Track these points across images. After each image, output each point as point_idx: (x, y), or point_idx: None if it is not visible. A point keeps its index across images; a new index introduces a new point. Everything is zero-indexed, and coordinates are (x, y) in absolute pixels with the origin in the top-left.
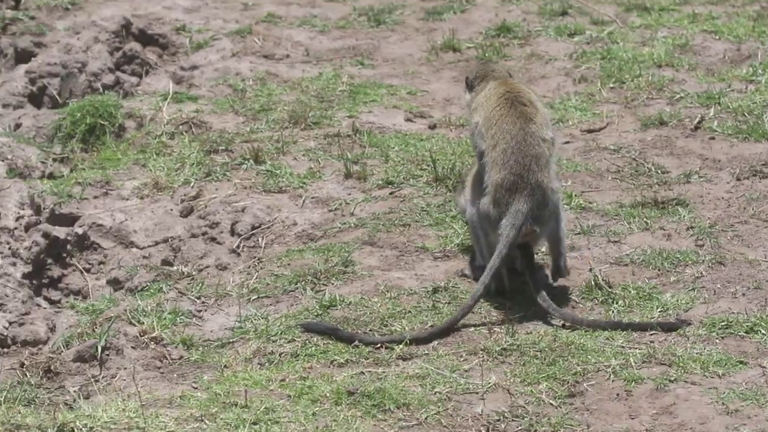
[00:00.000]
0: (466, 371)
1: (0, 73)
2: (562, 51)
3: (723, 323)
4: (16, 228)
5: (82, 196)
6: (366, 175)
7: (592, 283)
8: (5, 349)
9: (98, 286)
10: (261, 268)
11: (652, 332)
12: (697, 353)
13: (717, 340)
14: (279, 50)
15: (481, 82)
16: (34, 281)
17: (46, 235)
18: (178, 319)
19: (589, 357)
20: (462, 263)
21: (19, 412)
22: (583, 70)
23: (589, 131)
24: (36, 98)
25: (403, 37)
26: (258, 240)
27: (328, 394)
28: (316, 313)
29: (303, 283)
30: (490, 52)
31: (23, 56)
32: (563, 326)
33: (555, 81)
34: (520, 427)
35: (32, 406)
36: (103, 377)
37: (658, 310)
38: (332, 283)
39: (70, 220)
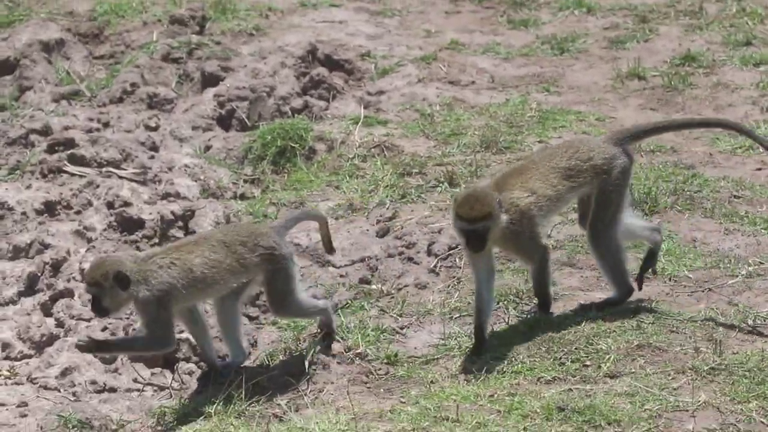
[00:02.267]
0: (674, 389)
1: (188, 96)
2: (748, 80)
3: None
4: None
5: (277, 216)
6: None
7: None
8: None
9: None
10: (461, 288)
11: None
12: None
13: None
14: (464, 77)
15: None
16: None
17: None
18: (381, 335)
19: None
20: (664, 286)
21: (232, 424)
22: None
23: None
24: (225, 121)
25: (588, 65)
26: (455, 260)
27: (538, 410)
28: (521, 332)
29: (505, 302)
30: (676, 80)
31: (210, 80)
32: None
33: (742, 109)
34: None
35: (243, 418)
36: (310, 391)
37: None
38: (534, 302)
39: None
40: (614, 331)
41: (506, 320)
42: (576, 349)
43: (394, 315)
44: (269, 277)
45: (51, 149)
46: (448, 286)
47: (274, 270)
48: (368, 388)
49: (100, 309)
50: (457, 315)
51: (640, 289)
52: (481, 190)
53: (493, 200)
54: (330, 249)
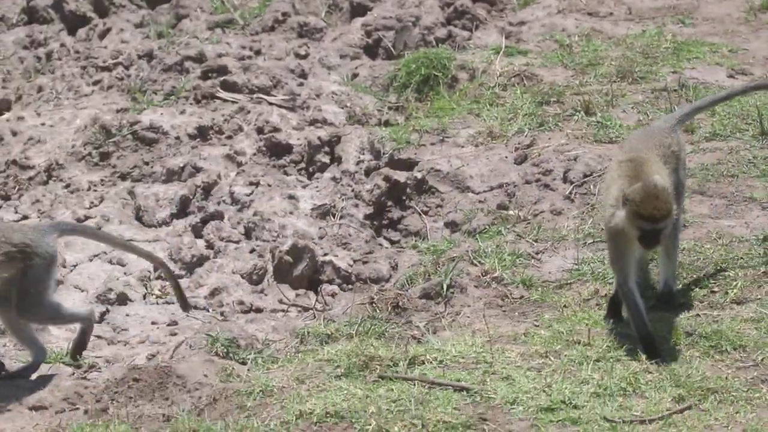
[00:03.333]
0: None
1: (336, 26)
2: None
3: None
4: (356, 171)
5: (420, 143)
6: (694, 128)
7: None
8: (350, 286)
9: (436, 228)
10: (594, 214)
11: None
12: None
13: None
14: (602, 8)
15: None
16: (375, 222)
17: (387, 179)
18: (517, 260)
19: None
20: None
21: (372, 345)
22: None
23: None
24: (371, 49)
25: None
26: (590, 187)
27: (666, 335)
28: (651, 258)
29: None
30: None
31: (359, 10)
32: None
33: None
34: None
35: (383, 339)
36: (447, 314)
37: None
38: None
39: (408, 165)
40: (741, 257)
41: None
42: (704, 276)
43: (530, 240)
44: (20, 276)
45: (204, 76)
46: (583, 213)
47: (24, 269)
48: (503, 311)
49: None
50: (591, 241)
51: None
52: (659, 187)
53: (671, 196)
54: (185, 306)
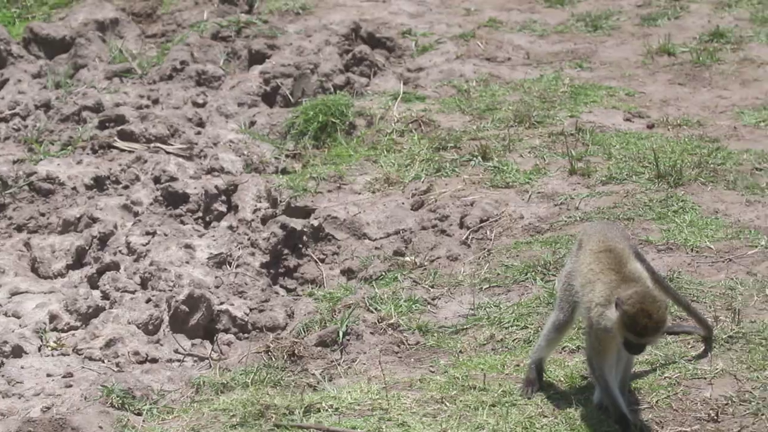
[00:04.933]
0: (693, 357)
1: (234, 73)
2: None
3: None
4: (253, 220)
5: (317, 190)
6: (590, 171)
7: None
8: (246, 334)
9: (332, 275)
10: (491, 259)
11: None
12: None
13: None
14: (501, 53)
15: None
16: (271, 270)
17: (283, 227)
18: (413, 306)
19: None
20: (686, 256)
21: (267, 393)
22: None
23: None
24: (269, 97)
25: (620, 42)
26: (486, 232)
27: (562, 378)
28: (547, 302)
29: (533, 273)
30: (704, 56)
31: (257, 58)
32: None
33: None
34: (747, 411)
35: (278, 387)
36: (344, 361)
37: None
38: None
39: (305, 212)
40: None
41: (533, 291)
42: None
43: (426, 286)
44: None
45: (102, 125)
46: (479, 258)
47: None
48: (399, 357)
49: None
50: (487, 286)
51: None
52: (656, 301)
53: (666, 310)
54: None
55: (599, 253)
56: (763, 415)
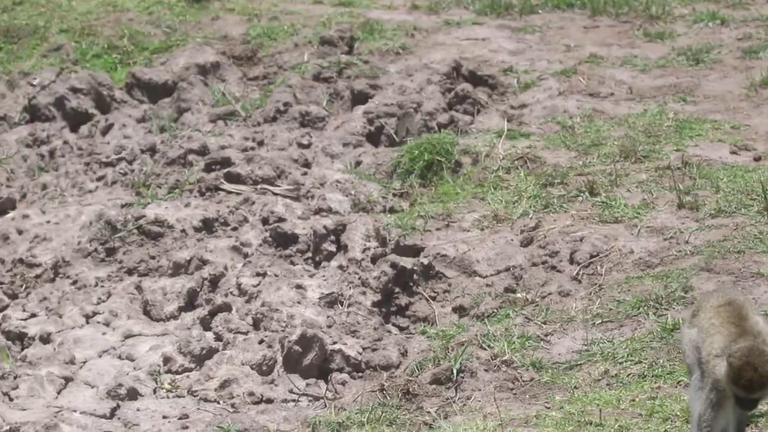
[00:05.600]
0: None
1: (338, 114)
2: None
3: None
4: (363, 259)
5: (425, 228)
6: (698, 205)
7: None
8: (360, 373)
9: (444, 313)
10: (602, 294)
11: None
12: None
13: None
14: (603, 89)
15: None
16: (383, 309)
17: (393, 266)
18: (526, 342)
19: None
20: None
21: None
22: None
23: None
24: (374, 137)
25: (722, 75)
26: (597, 267)
27: (678, 413)
28: (660, 337)
29: (645, 307)
30: None
31: (359, 98)
32: None
33: None
34: None
35: (394, 426)
36: (458, 398)
37: None
38: (674, 308)
39: (414, 251)
40: None
41: (646, 325)
42: None
43: (539, 322)
44: None
45: (208, 168)
46: (590, 293)
47: None
48: (514, 394)
49: None
50: (599, 321)
51: None
52: (761, 352)
53: None
54: None
55: (719, 307)
56: None
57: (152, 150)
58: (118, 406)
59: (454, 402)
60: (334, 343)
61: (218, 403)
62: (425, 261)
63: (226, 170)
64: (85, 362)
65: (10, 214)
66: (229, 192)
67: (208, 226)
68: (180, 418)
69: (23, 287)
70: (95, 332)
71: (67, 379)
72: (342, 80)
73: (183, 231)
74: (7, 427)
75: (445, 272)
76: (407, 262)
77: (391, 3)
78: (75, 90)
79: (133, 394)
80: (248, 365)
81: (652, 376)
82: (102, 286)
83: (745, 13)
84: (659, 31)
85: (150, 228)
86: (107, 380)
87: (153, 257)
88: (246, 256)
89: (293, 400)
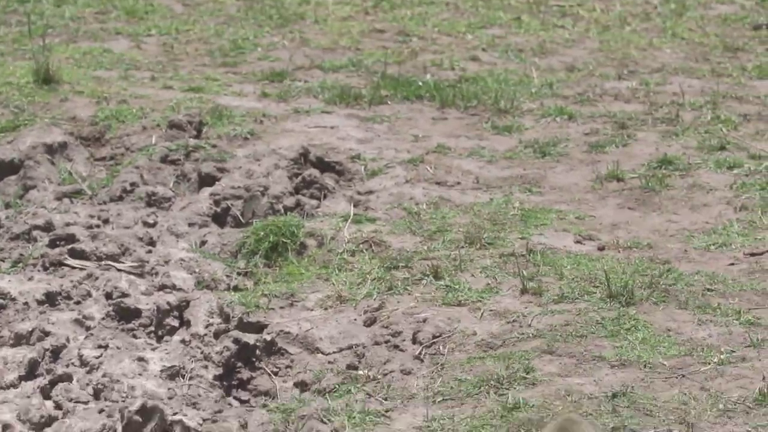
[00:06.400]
0: None
1: (184, 195)
2: (722, 182)
3: None
4: (206, 334)
5: (269, 307)
6: (541, 290)
7: (766, 390)
8: None
9: (285, 387)
10: (444, 373)
11: None
12: None
13: None
14: (450, 177)
15: None
16: (224, 382)
17: (236, 341)
18: (367, 418)
19: None
20: (639, 372)
21: None
22: (743, 199)
23: (752, 254)
24: (220, 218)
25: (569, 168)
26: (439, 348)
27: None
28: (501, 415)
29: (486, 387)
30: (653, 182)
31: (207, 180)
32: None
33: (716, 209)
34: None
35: None
36: None
37: None
38: (514, 388)
39: (257, 327)
40: (591, 414)
41: (487, 404)
42: None
43: (380, 398)
44: None
45: (53, 243)
46: (432, 372)
47: None
48: None
49: None
50: (441, 399)
51: None
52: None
53: None
54: None
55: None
56: None
57: None
58: None
59: None
60: (175, 414)
61: None
62: (268, 337)
63: (70, 246)
64: None
65: None
66: (73, 267)
67: (51, 299)
68: None
69: None
70: None
71: None
72: (189, 163)
73: (26, 303)
74: None
75: (287, 348)
76: (250, 338)
77: (241, 90)
78: None
79: None
80: None
81: None
82: None
83: (592, 109)
84: (507, 125)
85: None
86: None
87: None
88: (88, 328)
89: None
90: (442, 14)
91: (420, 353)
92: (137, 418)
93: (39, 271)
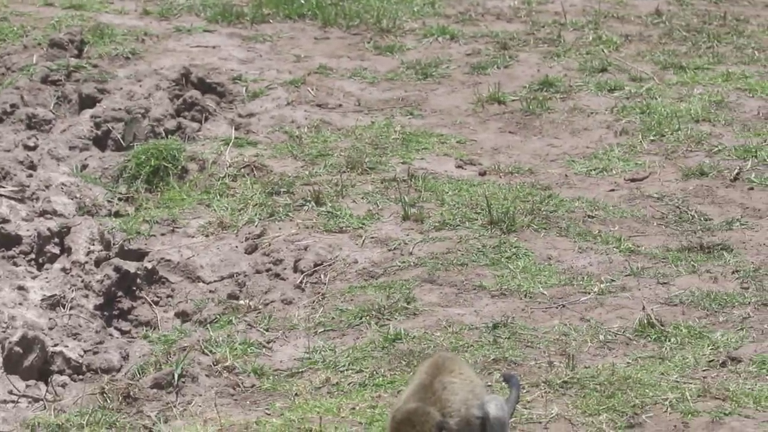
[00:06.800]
0: (528, 402)
1: (65, 117)
2: (603, 105)
3: None
4: (87, 262)
5: (150, 234)
6: (423, 217)
7: (645, 321)
8: (81, 376)
9: (166, 318)
10: (325, 303)
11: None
12: (749, 389)
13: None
14: (332, 100)
15: None
16: (105, 312)
17: (117, 269)
18: (248, 349)
19: (647, 390)
20: (520, 302)
21: None
22: (623, 123)
23: (633, 180)
24: (100, 141)
25: (450, 90)
26: (321, 276)
27: None
28: (382, 346)
29: (367, 317)
30: (534, 104)
31: (87, 102)
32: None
33: (597, 133)
34: None
35: (114, 429)
36: (179, 403)
37: (709, 348)
38: (396, 318)
39: (138, 255)
40: (472, 345)
41: (368, 335)
42: None
43: (261, 329)
44: None
45: None
46: (313, 302)
47: None
48: (235, 400)
49: None
50: (322, 330)
51: None
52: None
53: None
54: None
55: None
56: None
57: None
58: None
59: (174, 406)
60: (56, 345)
61: None
62: (149, 265)
63: None
64: None
65: None
66: None
67: None
68: None
69: None
70: None
71: None
72: (70, 83)
73: None
74: None
75: (168, 277)
76: (131, 266)
77: (123, 8)
78: None
79: None
80: None
81: (373, 385)
82: None
83: (474, 29)
84: (389, 45)
85: None
86: None
87: None
88: None
89: (12, 402)
90: None
91: (301, 282)
92: (18, 349)
93: None
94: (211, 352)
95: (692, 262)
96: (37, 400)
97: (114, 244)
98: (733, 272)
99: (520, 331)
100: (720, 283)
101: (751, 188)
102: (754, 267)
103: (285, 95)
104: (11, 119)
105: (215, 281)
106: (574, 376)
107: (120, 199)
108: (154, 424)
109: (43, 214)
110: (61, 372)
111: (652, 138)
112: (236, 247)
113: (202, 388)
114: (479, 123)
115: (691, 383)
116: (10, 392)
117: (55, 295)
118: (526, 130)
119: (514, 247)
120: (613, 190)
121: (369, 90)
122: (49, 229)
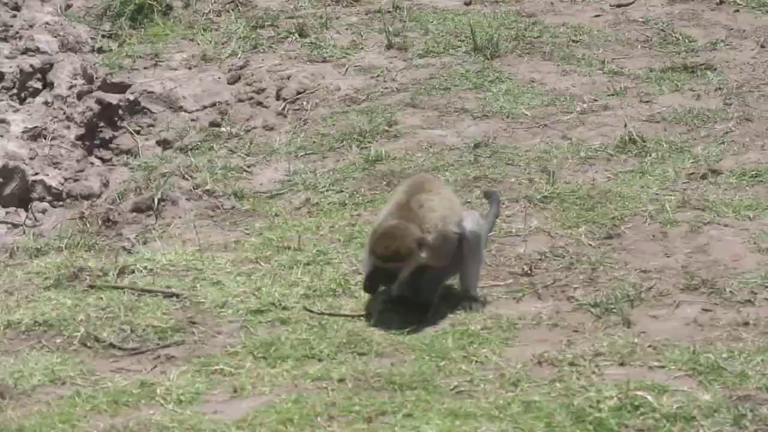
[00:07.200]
0: (508, 216)
1: None
2: None
3: (753, 173)
4: (69, 96)
5: (133, 67)
6: (407, 46)
7: (627, 138)
8: (61, 203)
9: (148, 146)
10: (307, 128)
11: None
12: (728, 199)
13: (747, 188)
14: None
15: None
16: (86, 143)
17: (99, 101)
18: (229, 173)
19: (626, 203)
20: (502, 123)
21: (81, 257)
22: None
23: (618, 5)
24: None
25: None
26: (303, 103)
27: None
28: (362, 168)
29: (348, 140)
30: None
31: None
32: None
33: None
34: (560, 265)
35: (93, 251)
36: (158, 225)
37: (690, 161)
38: (377, 141)
39: (121, 88)
40: (452, 164)
41: (349, 157)
42: None
43: (242, 154)
44: None
45: None
46: (295, 127)
47: None
48: (214, 221)
49: None
50: (303, 153)
51: None
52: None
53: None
54: None
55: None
56: (575, 268)
57: None
58: None
59: (154, 229)
60: (36, 174)
61: None
62: (131, 97)
63: None
64: None
65: None
66: None
67: None
68: None
69: None
70: None
71: None
72: None
73: None
74: None
75: (150, 107)
76: (113, 98)
77: None
78: None
79: None
80: None
81: (353, 204)
82: None
83: None
84: None
85: None
86: None
87: None
88: None
89: None
90: None
91: (283, 109)
92: None
93: None
94: (191, 176)
95: (675, 81)
96: (17, 226)
97: (97, 78)
98: (716, 89)
99: (501, 150)
100: (703, 100)
101: (737, 11)
102: (737, 84)
103: None
104: None
105: (197, 110)
106: (554, 191)
107: (104, 36)
108: (133, 246)
109: (26, 51)
110: (41, 199)
111: None
112: (219, 78)
113: (182, 211)
114: None
115: (671, 195)
116: None
117: (37, 126)
118: None
119: (498, 72)
120: (598, 15)
121: None
122: (31, 65)
